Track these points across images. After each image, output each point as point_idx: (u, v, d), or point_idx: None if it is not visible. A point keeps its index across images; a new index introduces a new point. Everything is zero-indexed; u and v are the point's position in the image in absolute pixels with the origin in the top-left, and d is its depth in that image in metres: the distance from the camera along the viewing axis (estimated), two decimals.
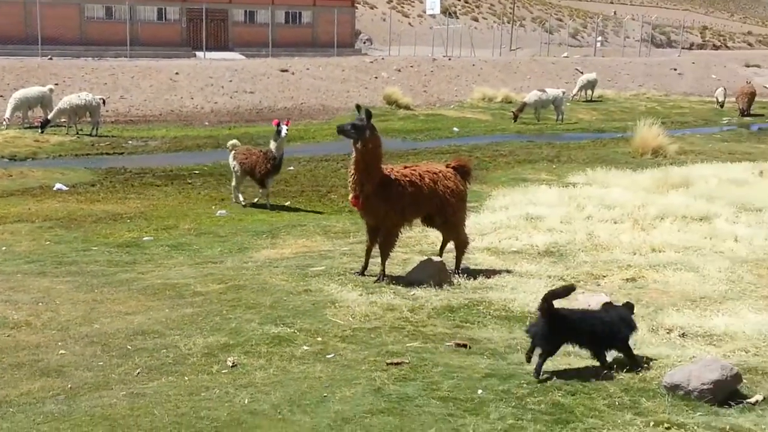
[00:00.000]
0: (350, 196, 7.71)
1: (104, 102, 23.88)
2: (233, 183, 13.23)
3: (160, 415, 4.68)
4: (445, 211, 7.90)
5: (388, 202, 7.52)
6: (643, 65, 47.20)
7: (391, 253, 7.94)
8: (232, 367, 5.51)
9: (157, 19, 44.10)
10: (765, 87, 40.38)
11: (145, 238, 10.39)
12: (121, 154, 19.85)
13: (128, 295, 7.38)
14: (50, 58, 33.76)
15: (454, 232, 8.16)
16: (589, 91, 36.25)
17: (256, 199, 13.32)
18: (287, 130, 12.51)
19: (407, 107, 31.14)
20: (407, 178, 7.67)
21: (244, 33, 46.31)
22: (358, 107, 7.49)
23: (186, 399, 4.92)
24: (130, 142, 21.83)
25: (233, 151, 13.15)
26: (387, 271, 7.90)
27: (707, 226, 10.08)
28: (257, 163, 12.62)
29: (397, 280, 7.84)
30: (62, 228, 11.07)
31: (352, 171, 7.49)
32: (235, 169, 12.97)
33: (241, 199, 13.11)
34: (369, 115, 7.25)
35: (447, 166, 8.18)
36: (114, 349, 5.88)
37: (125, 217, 11.93)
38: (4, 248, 9.74)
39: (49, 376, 5.30)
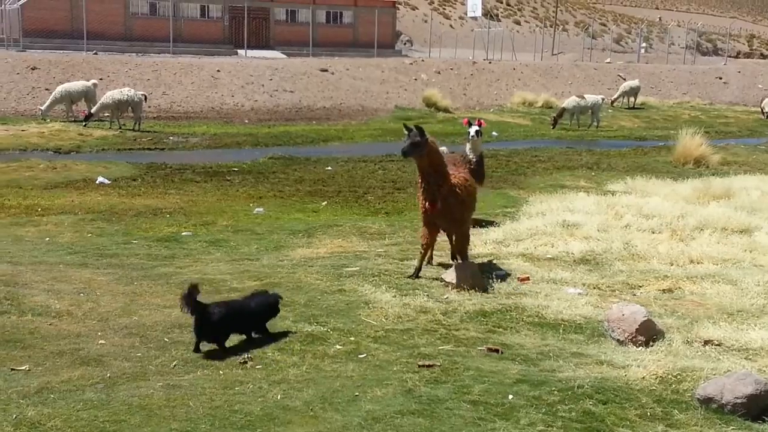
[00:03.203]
0: (424, 207, 7.82)
1: (146, 98, 24.26)
2: None
3: (195, 407, 4.77)
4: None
5: (463, 204, 7.86)
6: (687, 73, 46.56)
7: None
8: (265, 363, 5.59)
9: (200, 17, 44.64)
10: None
11: (183, 233, 10.55)
12: (162, 149, 20.16)
13: (167, 288, 7.52)
14: (95, 53, 34.33)
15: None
16: (632, 98, 35.87)
17: None
18: (478, 129, 11.09)
19: (446, 110, 31.15)
20: (467, 182, 8.08)
21: (286, 32, 46.65)
22: (406, 127, 7.41)
23: (220, 392, 5.02)
24: (171, 138, 22.15)
25: None
26: (420, 274, 8.11)
27: (747, 238, 9.93)
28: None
29: (430, 282, 7.88)
30: (104, 221, 11.30)
31: (422, 182, 7.72)
32: None
33: None
34: (421, 130, 7.37)
35: None
36: (152, 341, 6.01)
37: (165, 211, 12.12)
38: (47, 239, 9.98)
39: (89, 365, 5.43)
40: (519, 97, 34.79)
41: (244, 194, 14.01)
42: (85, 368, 5.37)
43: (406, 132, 7.37)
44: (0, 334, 5.92)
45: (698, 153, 18.42)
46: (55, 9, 39.26)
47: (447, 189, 7.62)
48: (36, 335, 5.97)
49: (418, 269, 8.07)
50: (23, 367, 5.33)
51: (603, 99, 29.38)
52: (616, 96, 35.63)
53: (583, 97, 28.21)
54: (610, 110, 33.12)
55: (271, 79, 32.77)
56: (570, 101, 27.98)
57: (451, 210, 7.71)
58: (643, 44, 65.54)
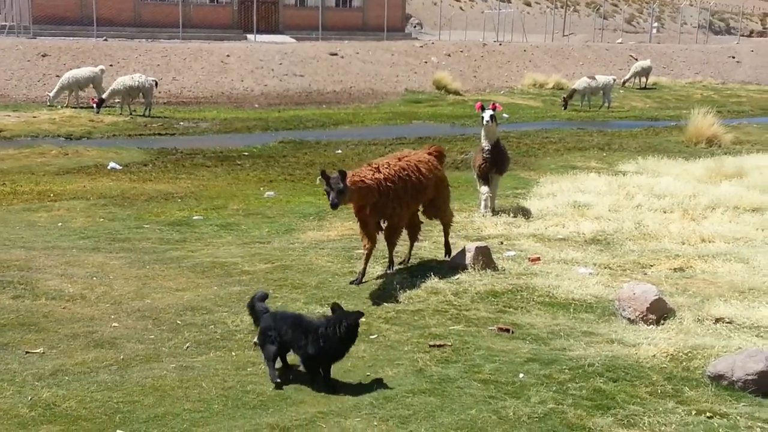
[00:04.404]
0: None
1: (157, 83, 24.26)
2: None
3: (208, 388, 4.82)
4: (439, 195, 8.01)
5: (394, 201, 7.29)
6: (700, 53, 46.13)
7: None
8: None
9: (209, 2, 44.57)
10: None
11: (195, 217, 10.60)
12: (173, 134, 20.18)
13: (178, 272, 7.56)
14: (105, 40, 34.32)
15: (445, 213, 8.26)
16: (643, 79, 35.61)
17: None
18: (492, 113, 10.04)
19: (456, 93, 31.04)
20: (405, 172, 7.47)
21: (295, 16, 46.51)
22: (324, 175, 6.67)
23: (233, 373, 5.06)
24: (181, 123, 22.17)
25: None
26: (432, 256, 8.19)
27: (759, 217, 9.91)
28: (475, 158, 10.63)
29: (440, 264, 7.89)
30: (116, 206, 11.35)
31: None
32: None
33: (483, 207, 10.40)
34: (343, 174, 6.67)
35: (428, 153, 8.12)
36: (164, 323, 6.05)
37: (176, 196, 12.16)
38: (60, 224, 10.04)
39: (103, 347, 5.49)
40: (530, 78, 34.60)
41: (255, 178, 14.03)
42: (99, 350, 5.42)
43: (323, 180, 6.64)
44: (15, 317, 5.98)
45: (710, 132, 18.26)
46: None
47: (375, 198, 7.13)
48: (50, 319, 6.02)
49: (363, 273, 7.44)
50: (38, 350, 5.39)
51: (614, 79, 29.17)
52: (627, 76, 35.38)
53: (594, 78, 28.01)
54: (621, 90, 32.90)
55: (280, 64, 32.70)
56: (581, 82, 27.81)
57: (381, 209, 7.27)
58: (655, 24, 64.94)
